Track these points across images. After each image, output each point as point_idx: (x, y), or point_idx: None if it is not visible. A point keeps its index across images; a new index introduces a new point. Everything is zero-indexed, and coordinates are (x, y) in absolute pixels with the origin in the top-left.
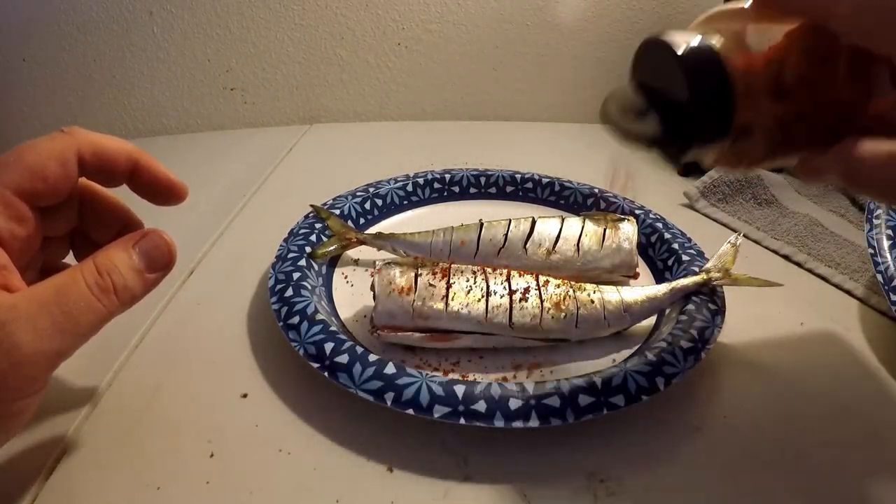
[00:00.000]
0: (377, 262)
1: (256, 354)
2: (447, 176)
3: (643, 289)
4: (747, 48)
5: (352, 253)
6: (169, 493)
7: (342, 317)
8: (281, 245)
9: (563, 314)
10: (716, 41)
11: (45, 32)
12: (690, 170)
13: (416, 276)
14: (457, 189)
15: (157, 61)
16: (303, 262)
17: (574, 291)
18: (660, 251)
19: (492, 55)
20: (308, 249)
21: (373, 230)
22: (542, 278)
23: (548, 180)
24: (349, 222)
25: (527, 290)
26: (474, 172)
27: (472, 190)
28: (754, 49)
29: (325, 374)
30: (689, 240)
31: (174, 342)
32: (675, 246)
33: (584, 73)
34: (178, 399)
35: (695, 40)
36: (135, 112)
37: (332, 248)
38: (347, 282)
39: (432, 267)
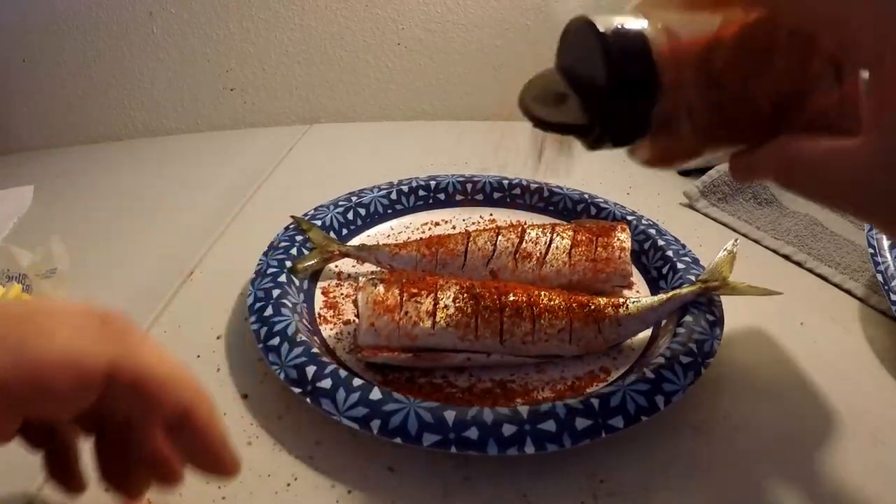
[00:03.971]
0: (360, 278)
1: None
2: (432, 183)
3: (639, 300)
4: (677, 35)
5: (334, 266)
6: None
7: (325, 334)
8: (260, 260)
9: (557, 330)
10: (644, 25)
11: (45, 32)
12: (689, 169)
13: (402, 292)
14: (442, 196)
15: (157, 61)
16: (283, 279)
17: (567, 305)
18: (654, 259)
19: (492, 55)
20: (289, 264)
21: (356, 241)
22: (533, 292)
23: (536, 186)
24: (331, 233)
25: (517, 305)
26: (460, 179)
27: (459, 197)
28: (686, 36)
29: (308, 399)
30: (684, 246)
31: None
32: (670, 253)
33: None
34: None
35: (620, 22)
36: (135, 112)
37: (313, 261)
38: (330, 297)
39: (418, 283)
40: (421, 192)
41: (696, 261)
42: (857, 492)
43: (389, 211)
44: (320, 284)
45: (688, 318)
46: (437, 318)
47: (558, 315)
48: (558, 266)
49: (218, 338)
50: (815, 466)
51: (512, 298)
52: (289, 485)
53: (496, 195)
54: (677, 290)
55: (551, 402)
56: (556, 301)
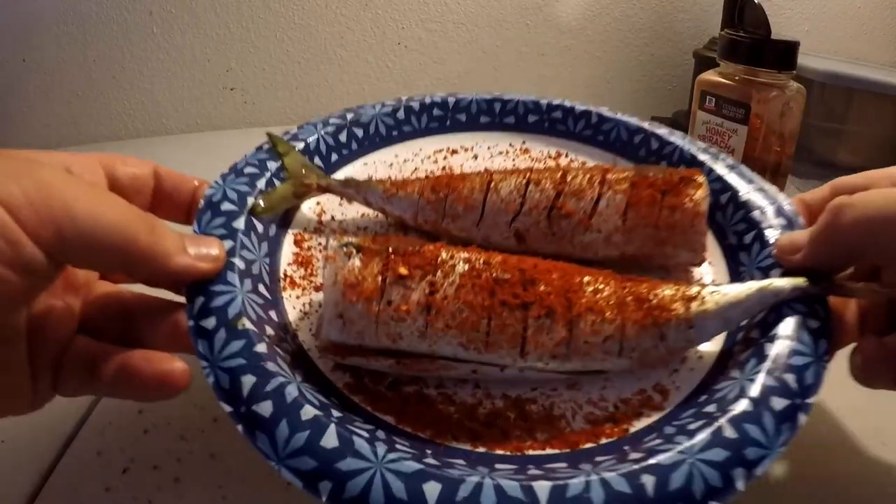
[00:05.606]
0: (331, 241)
1: None
2: (451, 100)
3: (719, 291)
4: None
5: (315, 204)
6: None
7: (287, 305)
8: (215, 184)
9: (602, 338)
10: None
11: (45, 32)
12: None
13: (385, 270)
14: (463, 117)
15: (157, 61)
16: (239, 224)
17: (620, 299)
18: (733, 219)
19: (492, 55)
20: (251, 201)
21: (349, 170)
22: (574, 278)
23: (583, 109)
24: (317, 160)
25: (549, 302)
26: (487, 97)
27: (484, 119)
28: None
29: (239, 426)
30: (782, 203)
31: None
32: (756, 215)
33: (584, 73)
34: None
35: None
36: (135, 112)
37: (282, 198)
38: (304, 249)
39: (410, 256)
40: (436, 112)
41: (792, 221)
42: (858, 492)
43: (394, 133)
44: (293, 231)
45: (782, 328)
46: (433, 314)
47: (606, 316)
48: (608, 232)
49: None
50: (816, 467)
51: (542, 289)
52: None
53: (531, 118)
54: (772, 282)
55: (583, 479)
56: (605, 293)
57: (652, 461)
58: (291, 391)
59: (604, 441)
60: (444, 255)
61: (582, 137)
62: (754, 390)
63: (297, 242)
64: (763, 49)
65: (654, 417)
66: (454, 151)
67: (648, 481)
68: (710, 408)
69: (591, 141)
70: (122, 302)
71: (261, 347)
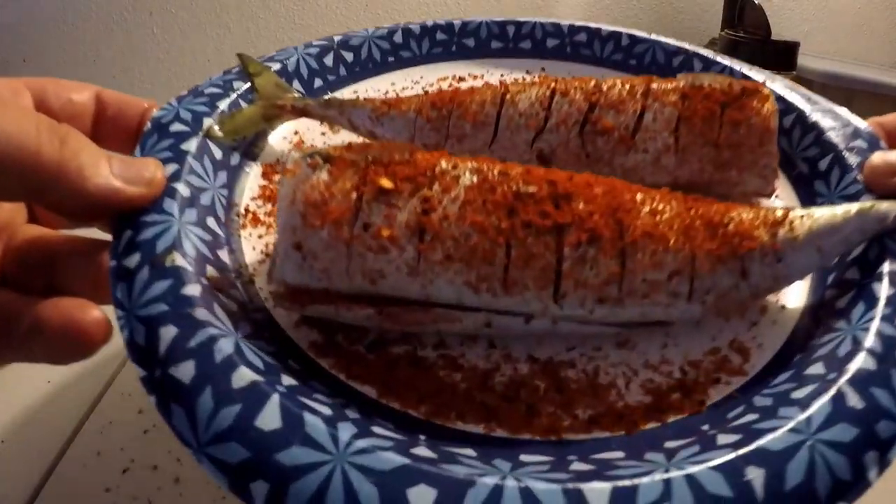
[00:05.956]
0: (292, 154)
1: None
2: (457, 23)
3: (811, 213)
4: None
5: (293, 133)
6: None
7: (245, 246)
8: (167, 106)
9: (667, 274)
10: None
11: (45, 32)
12: None
13: (362, 183)
14: (471, 42)
15: (157, 61)
16: (190, 146)
17: (687, 220)
18: (802, 143)
19: None
20: (208, 122)
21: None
22: (623, 194)
23: (611, 30)
24: (296, 85)
25: (591, 222)
26: (499, 20)
27: (496, 44)
28: None
29: (153, 398)
30: (857, 124)
31: None
32: (830, 137)
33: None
34: None
35: None
36: None
37: (248, 120)
38: (273, 183)
39: (398, 164)
40: (440, 36)
41: (875, 146)
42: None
43: (390, 59)
44: (258, 166)
45: (888, 261)
46: (428, 242)
47: (670, 244)
48: (656, 152)
49: None
50: None
51: (582, 207)
52: None
53: (550, 42)
54: (874, 204)
55: (658, 477)
56: (666, 214)
57: (753, 446)
58: (224, 347)
59: (672, 419)
60: (444, 164)
61: (610, 63)
62: (872, 342)
63: (265, 175)
64: (763, 49)
65: (736, 384)
66: (461, 79)
67: (756, 477)
68: (817, 368)
69: (622, 66)
70: (48, 246)
71: (191, 290)
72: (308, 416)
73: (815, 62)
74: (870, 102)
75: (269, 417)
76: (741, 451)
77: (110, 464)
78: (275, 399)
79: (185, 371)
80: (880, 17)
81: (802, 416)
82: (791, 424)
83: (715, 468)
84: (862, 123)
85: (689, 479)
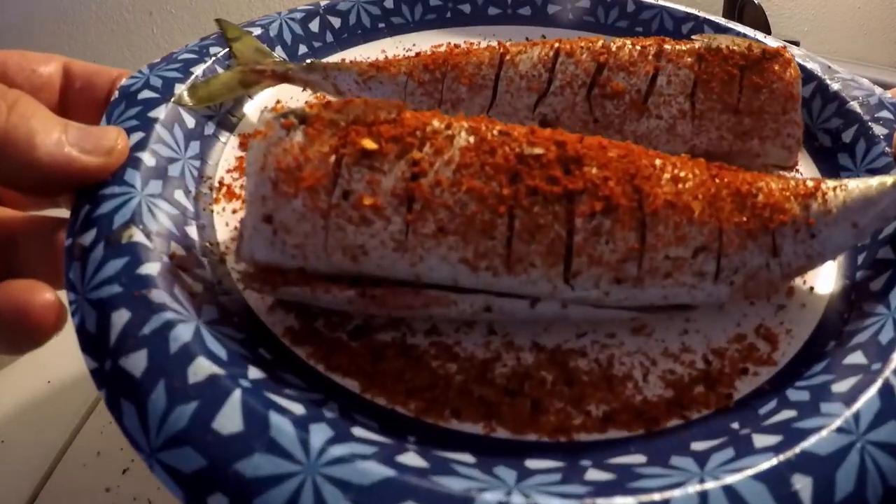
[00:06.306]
0: (264, 113)
1: None
2: None
3: (846, 184)
4: None
5: (275, 101)
6: None
7: (217, 221)
8: (136, 75)
9: (692, 251)
10: None
11: (45, 32)
12: None
13: (342, 145)
14: (467, 8)
15: None
16: (158, 112)
17: (713, 190)
18: (823, 115)
19: None
20: (180, 88)
21: None
22: (640, 159)
23: None
24: (279, 52)
25: (607, 189)
26: None
27: (493, 10)
28: None
29: (103, 392)
30: (881, 94)
31: None
32: (854, 107)
33: None
34: None
35: None
36: None
37: (224, 86)
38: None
39: (384, 123)
40: (433, 1)
41: None
42: None
43: (381, 25)
44: (240, 132)
45: None
46: (417, 211)
47: (695, 215)
48: (671, 118)
49: None
50: None
51: (595, 172)
52: None
53: (552, 9)
54: None
55: (693, 489)
56: (690, 182)
57: (798, 449)
58: (181, 335)
59: (697, 415)
60: (436, 123)
61: (615, 30)
62: None
63: (243, 146)
64: None
65: (766, 376)
66: (456, 47)
67: (803, 487)
68: (856, 357)
69: (628, 34)
70: (6, 227)
71: (149, 268)
72: (275, 417)
73: None
74: None
75: (229, 418)
76: (785, 456)
77: (110, 464)
78: (236, 396)
79: (137, 362)
80: (880, 17)
81: (849, 413)
82: (838, 423)
83: (756, 477)
84: (884, 92)
85: (728, 490)
